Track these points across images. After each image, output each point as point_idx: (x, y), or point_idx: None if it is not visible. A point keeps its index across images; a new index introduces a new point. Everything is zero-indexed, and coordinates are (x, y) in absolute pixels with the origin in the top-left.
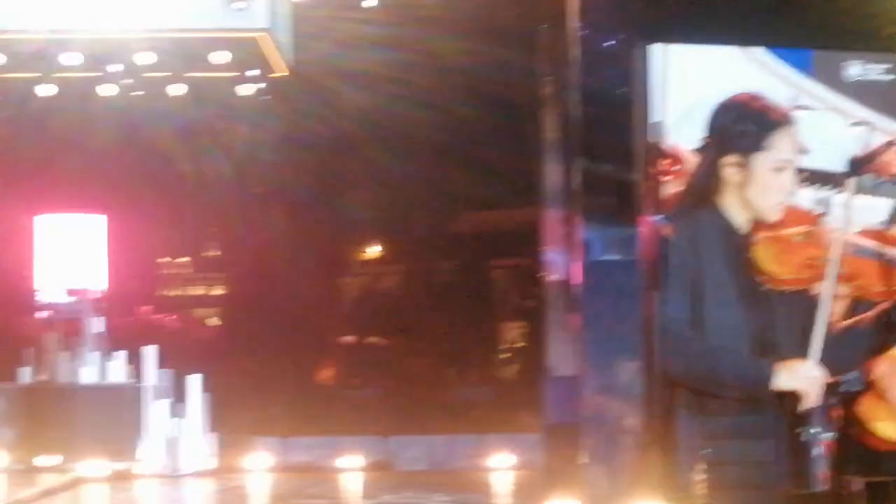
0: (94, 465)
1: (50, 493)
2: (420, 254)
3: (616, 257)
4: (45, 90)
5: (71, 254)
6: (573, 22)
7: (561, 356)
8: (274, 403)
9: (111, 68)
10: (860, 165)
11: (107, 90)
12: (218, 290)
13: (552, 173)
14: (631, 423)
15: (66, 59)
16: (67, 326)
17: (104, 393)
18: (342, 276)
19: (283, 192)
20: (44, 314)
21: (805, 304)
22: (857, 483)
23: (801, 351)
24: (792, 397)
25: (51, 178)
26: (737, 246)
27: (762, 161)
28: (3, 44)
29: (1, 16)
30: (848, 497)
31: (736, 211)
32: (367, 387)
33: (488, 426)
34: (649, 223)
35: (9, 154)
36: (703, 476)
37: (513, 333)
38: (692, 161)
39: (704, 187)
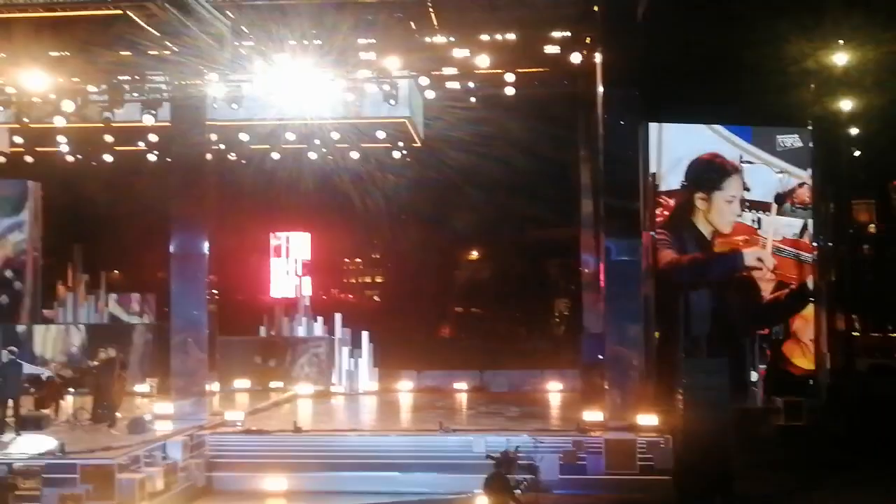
0: (304, 387)
1: (277, 404)
2: (502, 255)
3: (626, 258)
4: (275, 155)
5: (291, 255)
6: (599, 111)
7: (592, 320)
8: (413, 349)
9: (315, 141)
10: (782, 198)
11: (312, 154)
12: (378, 279)
13: (586, 205)
14: (636, 363)
15: (287, 136)
16: (288, 302)
17: (310, 342)
18: (453, 270)
19: (417, 216)
20: (276, 294)
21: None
22: (779, 401)
23: (749, 316)
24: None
25: (278, 210)
26: (704, 248)
27: (719, 196)
28: (250, 128)
29: (248, 111)
30: (773, 410)
31: (703, 226)
32: (470, 339)
33: (546, 365)
34: (648, 236)
35: (253, 195)
36: (681, 398)
37: (561, 306)
38: (676, 196)
39: (684, 212)
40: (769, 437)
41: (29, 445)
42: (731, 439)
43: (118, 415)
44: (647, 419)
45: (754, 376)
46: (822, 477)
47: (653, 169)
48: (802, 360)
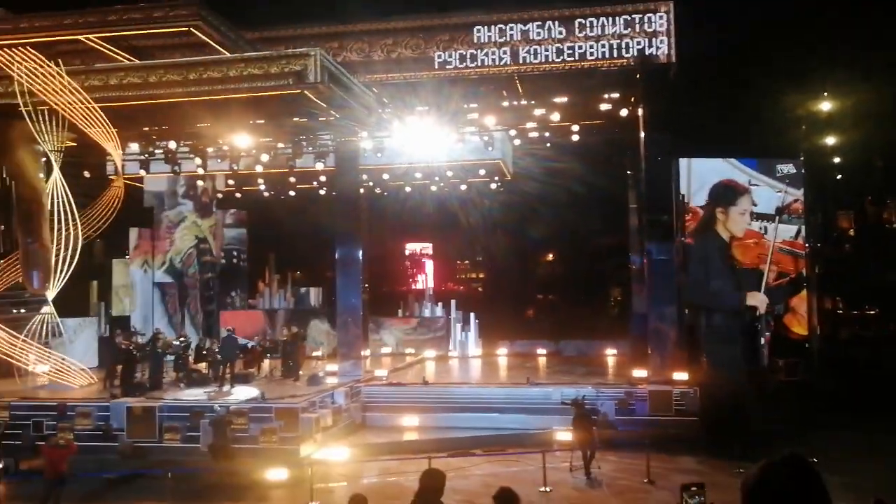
0: (429, 352)
1: (411, 364)
2: (571, 257)
3: (663, 258)
4: (408, 188)
5: (419, 259)
6: (641, 150)
7: (638, 304)
8: (506, 325)
9: (435, 178)
10: (781, 210)
11: (433, 187)
12: (480, 275)
13: (632, 219)
14: (672, 335)
15: (416, 175)
16: (417, 292)
17: (433, 320)
18: (535, 268)
19: (507, 230)
20: (409, 286)
21: (757, 274)
22: (780, 362)
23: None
24: (752, 309)
25: (409, 227)
26: (724, 249)
27: (734, 210)
28: (390, 169)
29: (388, 158)
30: (776, 369)
31: (723, 232)
32: (547, 318)
33: (604, 337)
34: (679, 241)
35: (392, 217)
36: (706, 359)
37: (615, 293)
38: (701, 211)
39: (707, 222)
40: (773, 390)
41: (240, 394)
42: (744, 391)
43: (301, 372)
44: (680, 375)
45: (762, 340)
46: (815, 420)
47: (684, 191)
48: (799, 329)
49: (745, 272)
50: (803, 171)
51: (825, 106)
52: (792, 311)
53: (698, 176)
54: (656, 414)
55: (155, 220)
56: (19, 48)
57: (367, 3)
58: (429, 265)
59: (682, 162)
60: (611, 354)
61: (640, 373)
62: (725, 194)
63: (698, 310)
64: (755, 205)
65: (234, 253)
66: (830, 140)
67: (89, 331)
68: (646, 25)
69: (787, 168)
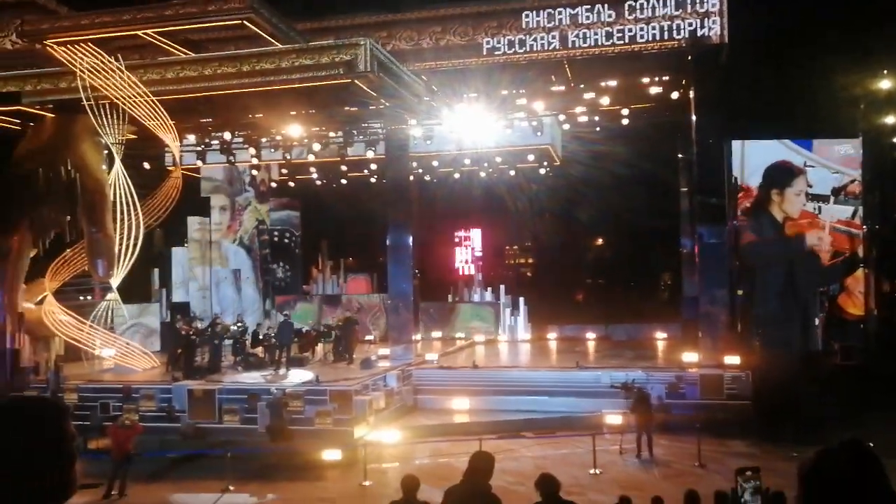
0: (479, 336)
1: (460, 349)
2: (621, 241)
3: (714, 241)
4: (457, 175)
5: (468, 244)
6: (693, 133)
7: (689, 287)
8: (556, 309)
9: (484, 164)
10: (837, 191)
11: (482, 174)
12: (530, 260)
13: (683, 203)
14: (723, 317)
15: (465, 161)
16: (467, 277)
17: (481, 306)
18: (584, 252)
19: (556, 214)
20: (459, 271)
21: (810, 252)
22: (836, 345)
23: (811, 276)
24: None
25: (459, 213)
26: (777, 229)
27: (790, 191)
28: (439, 156)
29: (438, 145)
30: (831, 352)
31: (777, 213)
32: (597, 302)
33: (655, 320)
34: (731, 224)
35: (442, 204)
36: (758, 342)
37: (666, 277)
38: (756, 191)
39: (763, 202)
40: (828, 374)
41: (296, 377)
42: (797, 375)
43: (354, 356)
44: (732, 359)
45: (816, 321)
46: (871, 403)
47: (737, 173)
48: (854, 309)
49: (800, 250)
50: (861, 151)
51: (884, 84)
52: (847, 291)
53: (752, 158)
54: (707, 398)
55: (231, 204)
56: (81, 45)
57: None
58: (475, 248)
59: (735, 144)
60: (661, 338)
61: (690, 357)
62: (781, 176)
63: (751, 288)
64: (810, 186)
65: (277, 234)
66: (890, 119)
67: (151, 316)
68: (697, 6)
69: (845, 148)
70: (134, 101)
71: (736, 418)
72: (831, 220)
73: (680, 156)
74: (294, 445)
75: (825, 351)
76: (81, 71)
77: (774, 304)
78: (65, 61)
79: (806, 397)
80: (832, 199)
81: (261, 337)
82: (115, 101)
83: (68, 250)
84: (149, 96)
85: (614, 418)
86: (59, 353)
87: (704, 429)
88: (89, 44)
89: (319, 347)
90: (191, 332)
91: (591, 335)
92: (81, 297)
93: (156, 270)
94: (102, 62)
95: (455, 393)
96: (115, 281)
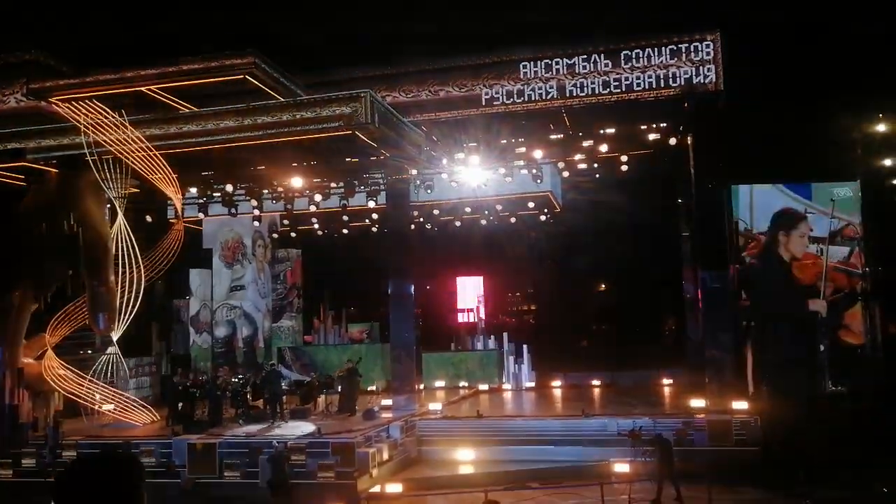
0: (482, 385)
1: (465, 398)
2: (624, 286)
3: (717, 286)
4: (457, 223)
5: (470, 292)
6: (692, 178)
7: (693, 331)
8: (560, 356)
9: (484, 212)
10: (834, 234)
11: (483, 221)
12: (532, 307)
13: (685, 247)
14: (729, 360)
15: (466, 209)
16: (469, 325)
17: (484, 353)
18: (587, 298)
19: (558, 260)
20: (461, 320)
21: (814, 289)
22: (844, 389)
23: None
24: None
25: (460, 261)
26: (784, 268)
27: (794, 233)
28: (439, 205)
29: (438, 193)
30: (840, 396)
31: (784, 253)
32: (601, 348)
33: (659, 367)
34: (734, 268)
35: (442, 252)
36: (765, 388)
37: (669, 322)
38: (763, 235)
39: (770, 245)
40: (838, 418)
41: (297, 430)
42: (806, 420)
43: (356, 407)
44: (740, 404)
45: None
46: (881, 448)
47: (745, 217)
48: (852, 339)
49: (804, 288)
50: (860, 194)
51: (881, 127)
52: (845, 324)
53: (761, 203)
54: (716, 444)
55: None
56: (85, 101)
57: (415, 44)
58: (477, 295)
59: (744, 189)
60: (667, 384)
61: (697, 402)
62: (786, 220)
63: (760, 329)
64: (811, 230)
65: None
66: (888, 162)
67: (149, 369)
68: (692, 54)
69: (843, 191)
70: (137, 156)
71: (745, 465)
72: (831, 261)
73: (679, 201)
74: (296, 500)
75: (834, 394)
76: (85, 127)
77: (781, 347)
78: (69, 118)
79: (816, 443)
80: (829, 241)
81: (258, 388)
82: (119, 155)
83: (69, 304)
84: (152, 150)
85: (623, 467)
86: (59, 408)
87: (714, 475)
88: (93, 100)
89: (321, 398)
90: (189, 385)
91: (596, 382)
92: (81, 351)
93: (155, 323)
94: (106, 118)
95: (460, 443)
96: (116, 334)
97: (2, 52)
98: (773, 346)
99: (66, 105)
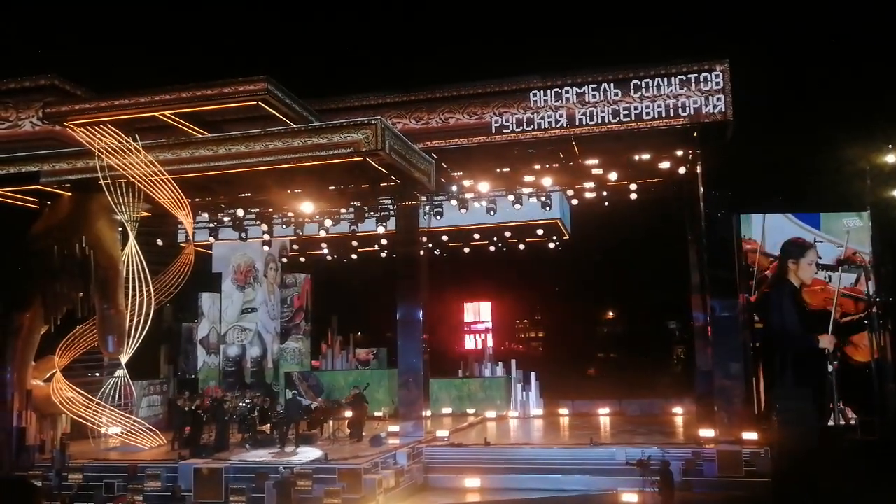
0: (490, 413)
1: (472, 425)
2: (632, 314)
3: (727, 314)
4: (466, 249)
5: (478, 318)
6: (701, 206)
7: (703, 361)
8: (568, 384)
9: (493, 238)
10: (842, 262)
11: (491, 248)
12: (540, 334)
13: (694, 276)
14: (738, 391)
15: (474, 235)
16: (477, 352)
17: (491, 380)
18: (596, 326)
19: (567, 288)
20: (469, 346)
21: (823, 314)
22: (854, 420)
23: (823, 331)
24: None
25: (468, 287)
26: (795, 294)
27: (804, 261)
28: (448, 231)
29: (447, 220)
30: (850, 428)
31: (794, 280)
32: (610, 376)
33: (668, 396)
34: (743, 297)
35: (451, 278)
36: (775, 418)
37: (678, 351)
38: (776, 263)
39: (782, 272)
40: (848, 449)
41: (304, 455)
42: (817, 451)
43: (363, 433)
44: (750, 435)
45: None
46: (891, 480)
47: (758, 238)
48: (860, 357)
49: (814, 313)
50: (870, 223)
51: (891, 158)
52: (853, 344)
53: (773, 232)
54: (726, 475)
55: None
56: (100, 126)
57: (425, 71)
58: (485, 322)
59: (757, 218)
60: (676, 413)
61: (706, 432)
62: (796, 249)
63: (771, 354)
64: (820, 258)
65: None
66: None
67: (160, 388)
68: (701, 84)
69: (854, 221)
70: (149, 180)
71: (756, 496)
72: (840, 287)
73: (688, 229)
74: None
75: (844, 426)
76: (99, 151)
77: (791, 375)
78: (83, 142)
79: (825, 474)
80: (839, 268)
81: (269, 413)
82: (132, 179)
83: (78, 327)
84: (164, 175)
85: (631, 497)
86: (66, 430)
87: None
88: (107, 125)
89: (329, 424)
90: (196, 408)
91: (604, 410)
92: (89, 374)
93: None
94: (120, 142)
95: (467, 471)
96: (125, 357)
97: (18, 76)
98: (783, 374)
99: (81, 129)
